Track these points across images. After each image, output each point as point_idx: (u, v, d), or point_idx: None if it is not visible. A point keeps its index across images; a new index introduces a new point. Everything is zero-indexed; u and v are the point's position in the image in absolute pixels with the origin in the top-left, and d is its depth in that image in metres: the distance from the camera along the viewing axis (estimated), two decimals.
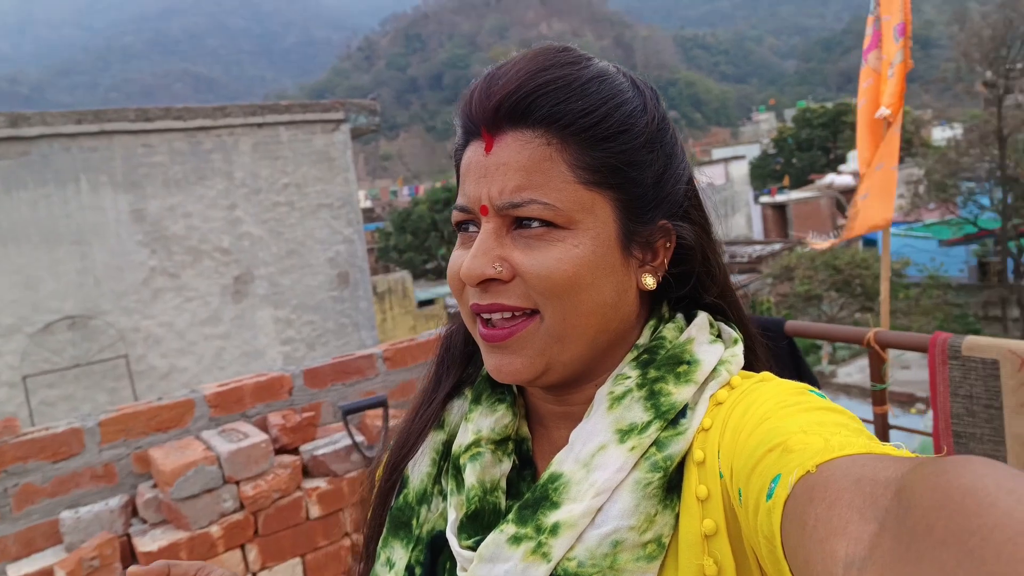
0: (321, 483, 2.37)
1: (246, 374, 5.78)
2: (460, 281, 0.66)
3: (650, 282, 0.67)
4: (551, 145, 0.62)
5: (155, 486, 2.24)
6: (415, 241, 29.90)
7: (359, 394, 2.67)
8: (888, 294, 2.29)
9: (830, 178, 31.15)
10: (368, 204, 42.94)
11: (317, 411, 2.58)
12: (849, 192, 31.42)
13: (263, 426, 2.47)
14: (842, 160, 36.01)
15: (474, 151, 0.66)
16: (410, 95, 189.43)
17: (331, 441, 2.43)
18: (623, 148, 0.64)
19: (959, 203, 20.40)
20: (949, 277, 20.75)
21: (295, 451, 2.45)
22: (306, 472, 2.42)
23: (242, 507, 2.22)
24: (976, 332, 18.10)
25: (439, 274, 29.18)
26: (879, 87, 2.15)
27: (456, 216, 0.68)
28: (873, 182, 2.11)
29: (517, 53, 0.67)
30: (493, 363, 0.65)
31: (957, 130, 21.67)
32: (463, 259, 0.65)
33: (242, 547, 2.21)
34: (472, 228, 0.67)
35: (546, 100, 0.62)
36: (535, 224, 0.63)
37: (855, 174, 32.47)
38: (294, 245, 6.51)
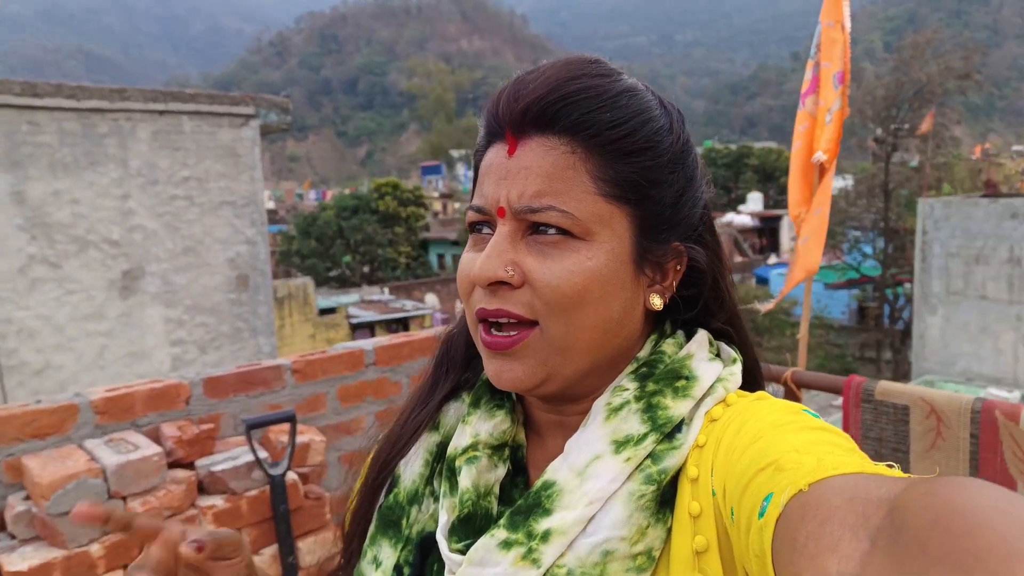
0: (218, 501, 2.19)
1: (129, 375, 5.42)
2: (470, 283, 0.65)
3: (657, 302, 0.67)
4: (575, 154, 0.62)
5: (28, 498, 2.00)
6: (319, 247, 29.13)
7: (263, 407, 2.49)
8: (807, 335, 2.34)
9: (730, 217, 32.60)
10: (271, 205, 41.65)
11: (217, 423, 2.39)
12: (747, 231, 33.03)
13: (156, 437, 2.26)
14: (742, 200, 37.81)
15: (496, 153, 0.65)
16: (322, 97, 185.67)
17: (231, 456, 2.25)
18: (647, 165, 0.64)
19: (845, 249, 21.78)
20: (832, 318, 22.10)
21: (190, 466, 2.25)
22: (202, 489, 2.23)
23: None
24: (852, 371, 19.30)
25: (343, 282, 28.53)
26: (813, 131, 2.21)
27: (471, 216, 0.67)
28: (812, 226, 2.16)
29: (547, 61, 0.66)
30: (493, 369, 0.65)
31: (848, 181, 23.16)
32: (475, 260, 0.64)
33: (125, 568, 2.00)
34: (486, 230, 0.66)
35: (575, 108, 0.61)
36: (551, 231, 0.62)
37: (753, 215, 34.20)
38: (191, 242, 6.17)
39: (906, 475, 0.44)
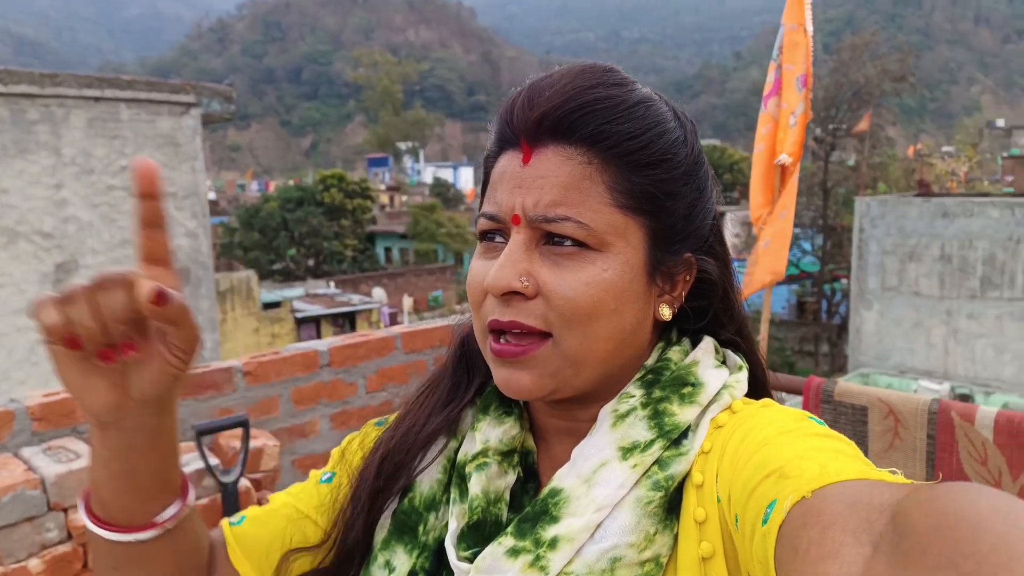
0: None
1: None
2: (482, 292, 0.65)
3: (667, 313, 0.67)
4: (592, 164, 0.61)
5: None
6: (263, 240, 28.47)
7: (213, 411, 2.39)
8: (767, 336, 2.35)
9: None
10: (212, 196, 40.59)
11: None
12: None
13: None
14: None
15: (509, 160, 0.64)
16: (265, 85, 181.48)
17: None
18: (663, 177, 0.64)
19: None
20: (772, 313, 22.65)
21: None
22: None
23: (70, 537, 1.90)
24: (791, 364, 19.86)
25: (287, 275, 27.98)
26: (776, 134, 2.22)
27: (483, 224, 0.66)
28: (775, 230, 2.17)
29: (560, 67, 0.66)
30: (502, 377, 0.64)
31: None
32: (487, 269, 0.64)
33: None
34: (498, 239, 0.66)
35: (592, 118, 0.61)
36: (567, 243, 0.62)
37: None
38: (129, 234, 5.94)
39: (909, 481, 0.44)
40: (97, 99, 5.70)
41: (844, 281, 20.55)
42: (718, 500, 0.57)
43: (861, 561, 0.38)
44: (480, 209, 0.68)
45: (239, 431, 2.26)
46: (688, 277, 0.68)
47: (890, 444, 2.04)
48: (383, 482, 0.72)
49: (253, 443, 2.29)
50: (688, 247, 0.67)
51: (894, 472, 0.48)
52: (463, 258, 34.45)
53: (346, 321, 21.11)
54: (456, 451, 0.73)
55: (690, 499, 0.60)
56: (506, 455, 0.69)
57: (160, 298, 0.52)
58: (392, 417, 0.82)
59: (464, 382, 0.75)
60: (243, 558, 0.72)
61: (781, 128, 2.21)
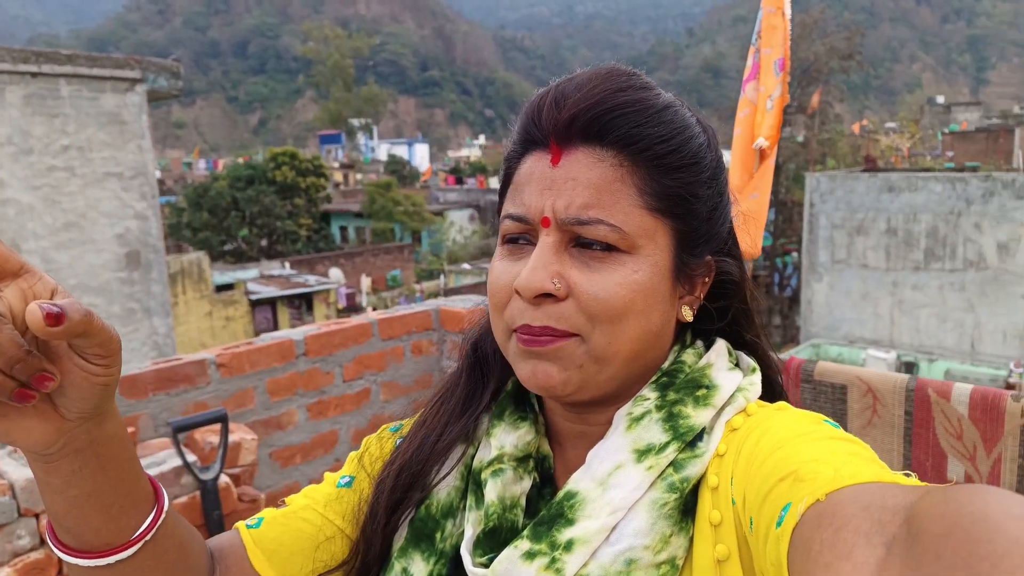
0: None
1: None
2: (508, 293, 0.64)
3: (688, 314, 0.68)
4: (623, 167, 0.62)
5: None
6: (213, 220, 27.74)
7: (186, 405, 2.32)
8: None
9: None
10: (157, 175, 39.43)
11: (135, 425, 2.21)
12: None
13: None
14: None
15: (537, 161, 0.64)
16: (210, 60, 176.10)
17: (155, 461, 2.08)
18: (690, 180, 0.64)
19: None
20: None
21: None
22: None
23: (43, 543, 1.83)
24: None
25: (239, 256, 27.36)
26: (754, 118, 2.23)
27: (508, 226, 0.65)
28: (742, 210, 2.19)
29: (582, 70, 0.65)
30: (528, 370, 0.63)
31: None
32: (513, 270, 0.63)
33: None
34: (522, 241, 0.65)
35: (624, 121, 0.61)
36: (596, 245, 0.62)
37: None
38: (73, 217, 5.74)
39: (923, 484, 0.45)
40: (34, 75, 5.46)
41: (795, 255, 21.01)
42: (733, 503, 0.58)
43: (874, 563, 0.38)
44: (502, 210, 0.67)
45: (215, 425, 2.21)
46: (707, 279, 0.69)
47: (868, 421, 2.09)
48: (400, 494, 0.72)
49: (234, 436, 2.23)
50: (709, 249, 0.68)
51: (908, 475, 0.48)
52: (421, 237, 34.18)
53: (303, 302, 20.80)
54: (473, 457, 0.72)
55: (705, 501, 0.61)
56: (521, 461, 0.69)
57: (55, 318, 0.45)
58: (407, 423, 0.82)
59: (479, 388, 0.75)
60: (265, 561, 0.71)
61: (759, 112, 2.23)
